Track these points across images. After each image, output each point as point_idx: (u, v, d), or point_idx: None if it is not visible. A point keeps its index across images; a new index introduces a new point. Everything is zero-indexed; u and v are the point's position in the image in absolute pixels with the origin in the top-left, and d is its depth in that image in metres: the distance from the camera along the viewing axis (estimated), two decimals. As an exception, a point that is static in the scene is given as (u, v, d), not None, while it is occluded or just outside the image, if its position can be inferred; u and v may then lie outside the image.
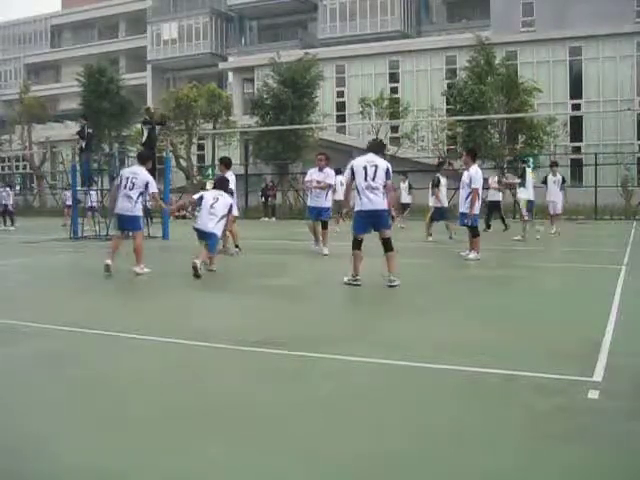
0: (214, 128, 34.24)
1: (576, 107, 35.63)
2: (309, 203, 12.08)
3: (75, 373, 4.33)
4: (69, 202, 22.24)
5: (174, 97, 33.96)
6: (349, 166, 7.86)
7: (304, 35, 48.79)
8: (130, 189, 9.17)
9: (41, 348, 5.09)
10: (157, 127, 16.71)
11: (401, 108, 33.40)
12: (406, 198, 21.57)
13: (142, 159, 9.77)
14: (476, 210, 10.74)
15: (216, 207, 9.15)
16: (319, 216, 11.70)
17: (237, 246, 11.72)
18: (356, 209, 7.77)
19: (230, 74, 47.13)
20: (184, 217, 30.17)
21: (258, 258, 11.59)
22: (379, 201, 7.58)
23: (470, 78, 29.04)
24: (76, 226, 16.55)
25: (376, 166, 7.63)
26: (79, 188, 17.29)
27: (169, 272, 9.99)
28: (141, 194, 9.29)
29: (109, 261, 8.80)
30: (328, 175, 11.78)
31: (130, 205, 9.15)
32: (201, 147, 40.64)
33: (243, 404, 3.63)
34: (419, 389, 3.92)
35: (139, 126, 18.50)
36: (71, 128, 37.19)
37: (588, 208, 25.33)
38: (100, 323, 5.77)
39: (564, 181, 17.09)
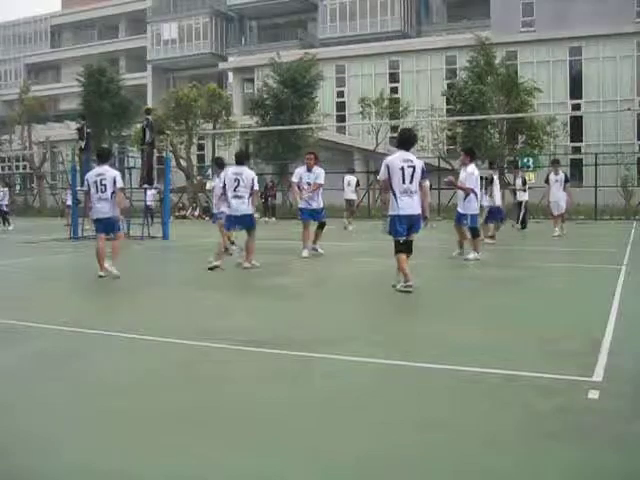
0: (214, 128, 34.22)
1: (576, 107, 35.63)
2: (300, 205, 11.57)
3: (75, 373, 4.33)
4: (70, 202, 22.29)
5: (174, 97, 33.94)
6: (384, 163, 7.40)
7: (304, 35, 48.79)
8: (102, 192, 8.88)
9: (41, 348, 5.09)
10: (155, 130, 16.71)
11: (401, 108, 33.42)
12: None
13: (103, 157, 9.32)
14: (474, 210, 10.73)
15: (239, 189, 9.51)
16: (314, 218, 11.44)
17: (233, 243, 11.77)
18: (392, 213, 7.32)
19: (230, 74, 47.13)
20: (184, 217, 30.26)
21: (258, 258, 11.58)
22: (417, 205, 7.29)
23: (470, 78, 29.05)
24: (76, 226, 16.55)
25: (414, 167, 7.23)
26: (79, 188, 17.28)
27: (169, 272, 10.00)
28: (114, 192, 8.97)
29: (102, 272, 8.66)
30: (318, 175, 11.40)
31: (107, 208, 8.91)
32: (201, 147, 40.62)
33: (243, 404, 3.63)
34: (419, 389, 3.92)
35: (139, 126, 18.50)
36: (71, 128, 37.19)
37: (588, 208, 25.34)
38: (100, 323, 5.77)
39: (567, 180, 16.08)
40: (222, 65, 47.27)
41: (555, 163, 16.25)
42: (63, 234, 16.89)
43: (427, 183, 7.40)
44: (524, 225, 17.83)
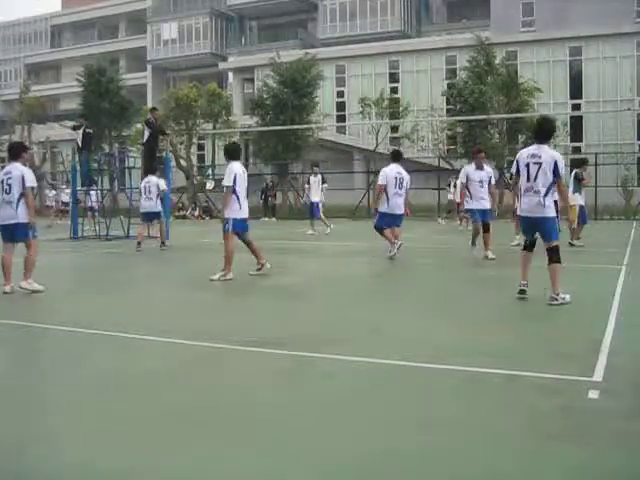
0: (214, 128, 34.22)
1: (576, 107, 35.63)
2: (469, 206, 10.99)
3: (75, 373, 4.33)
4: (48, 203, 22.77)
5: (174, 97, 33.95)
6: (515, 159, 6.89)
7: (304, 35, 48.79)
8: (7, 192, 7.60)
9: (41, 348, 5.09)
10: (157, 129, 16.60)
11: (401, 108, 33.42)
12: (458, 197, 20.80)
13: (12, 152, 7.95)
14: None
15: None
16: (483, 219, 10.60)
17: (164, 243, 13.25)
18: (518, 213, 6.95)
19: (230, 74, 47.13)
20: (184, 217, 30.26)
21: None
22: (539, 207, 6.46)
23: (470, 78, 29.09)
24: (76, 226, 16.56)
25: (540, 164, 6.45)
26: (79, 188, 17.31)
27: (169, 272, 9.99)
28: (22, 195, 7.63)
29: (7, 287, 7.65)
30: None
31: (12, 212, 7.59)
32: (201, 147, 40.64)
33: (243, 404, 3.63)
34: (419, 389, 3.91)
35: (139, 126, 18.50)
36: (67, 125, 37.21)
37: (588, 208, 25.29)
38: (100, 323, 5.76)
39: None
40: (222, 65, 47.27)
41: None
42: (63, 234, 16.89)
43: (562, 181, 6.57)
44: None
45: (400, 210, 10.83)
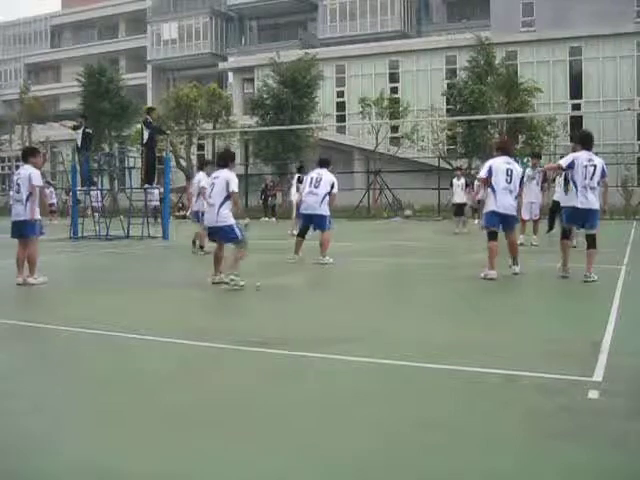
0: (214, 128, 34.22)
1: (576, 107, 35.61)
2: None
3: (75, 373, 4.33)
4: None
5: (174, 97, 33.96)
6: (571, 158, 8.12)
7: (304, 35, 48.78)
8: (17, 192, 8.27)
9: (41, 348, 5.09)
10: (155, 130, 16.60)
11: (401, 108, 33.40)
12: (462, 197, 18.31)
13: (25, 155, 8.65)
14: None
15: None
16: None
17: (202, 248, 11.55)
18: (569, 204, 8.10)
19: (230, 74, 47.13)
20: (184, 217, 30.24)
21: (258, 258, 11.58)
22: (594, 200, 7.92)
23: (470, 78, 29.10)
24: (76, 226, 16.56)
25: (595, 166, 7.94)
26: (79, 188, 17.32)
27: (169, 272, 9.98)
28: (31, 194, 8.20)
29: (20, 279, 8.11)
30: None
31: (21, 209, 8.20)
32: (201, 147, 40.59)
33: (243, 404, 3.63)
34: (419, 389, 3.92)
35: (139, 126, 18.50)
36: (67, 125, 37.20)
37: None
38: (100, 323, 5.76)
39: (545, 180, 13.47)
40: (222, 65, 47.26)
41: (534, 157, 14.10)
42: (63, 234, 16.90)
43: (607, 180, 8.16)
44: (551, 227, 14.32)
45: (313, 210, 9.94)
